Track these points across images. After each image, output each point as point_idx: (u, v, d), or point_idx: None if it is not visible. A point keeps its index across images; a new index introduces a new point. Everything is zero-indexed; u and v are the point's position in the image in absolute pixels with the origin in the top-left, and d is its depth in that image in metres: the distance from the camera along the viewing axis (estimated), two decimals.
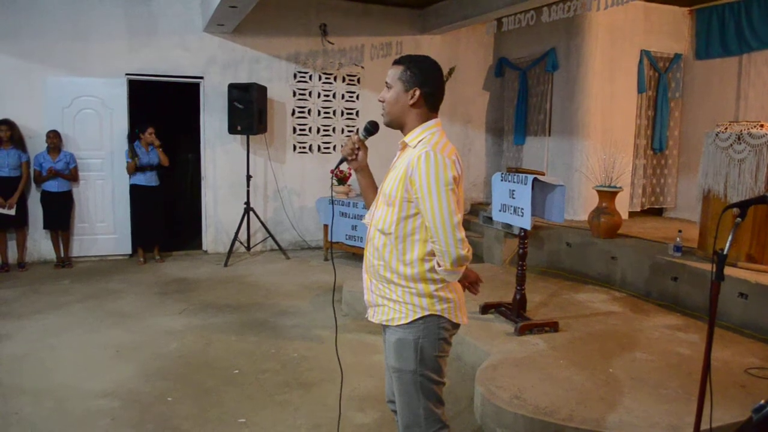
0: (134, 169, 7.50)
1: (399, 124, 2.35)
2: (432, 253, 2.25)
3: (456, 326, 2.37)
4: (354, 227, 7.53)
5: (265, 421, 3.70)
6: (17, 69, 7.37)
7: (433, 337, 2.29)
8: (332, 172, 2.86)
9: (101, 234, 7.87)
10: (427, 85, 2.29)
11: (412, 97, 2.28)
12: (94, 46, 7.65)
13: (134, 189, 7.64)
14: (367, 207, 2.54)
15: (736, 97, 7.49)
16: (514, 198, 4.74)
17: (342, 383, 2.97)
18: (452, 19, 8.32)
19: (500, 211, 4.97)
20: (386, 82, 2.35)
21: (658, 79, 8.23)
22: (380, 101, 2.36)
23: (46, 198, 7.34)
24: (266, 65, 8.46)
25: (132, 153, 7.44)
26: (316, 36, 8.64)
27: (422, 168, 2.15)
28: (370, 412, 3.81)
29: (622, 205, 7.60)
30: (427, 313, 2.27)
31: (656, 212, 8.70)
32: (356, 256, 7.73)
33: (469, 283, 2.53)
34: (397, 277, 2.28)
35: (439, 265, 2.22)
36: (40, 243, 7.63)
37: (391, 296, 2.31)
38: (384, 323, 2.37)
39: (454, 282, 2.34)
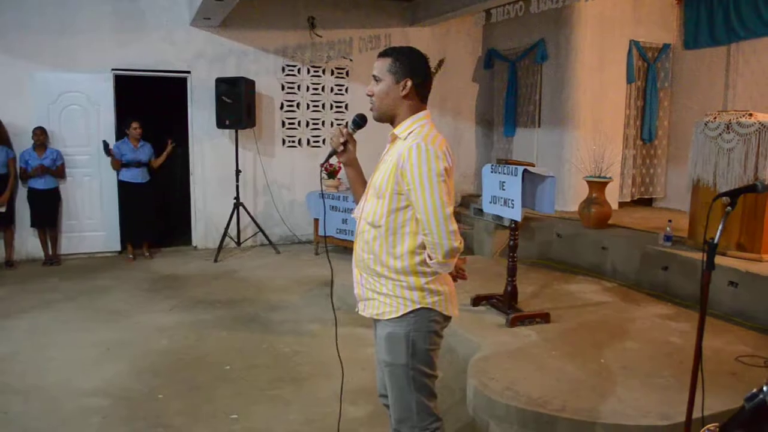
0: (119, 165, 7.44)
1: (390, 117, 2.32)
2: (423, 246, 2.23)
3: (447, 319, 2.36)
4: (344, 221, 7.51)
5: (258, 416, 3.68)
6: (2, 64, 7.28)
7: (424, 330, 2.28)
8: (322, 165, 2.82)
9: (89, 231, 7.80)
10: (418, 76, 2.28)
11: (403, 89, 2.26)
12: (81, 41, 7.57)
13: (122, 185, 7.58)
14: (356, 201, 2.51)
15: (725, 86, 7.50)
16: (504, 189, 4.73)
17: (343, 380, 2.92)
18: (441, 11, 8.28)
19: (491, 202, 4.96)
20: (374, 76, 2.31)
21: (647, 69, 8.24)
22: (369, 95, 2.33)
23: (33, 196, 7.26)
24: (254, 59, 8.40)
25: (105, 149, 7.37)
26: (304, 29, 8.59)
27: (413, 159, 2.14)
28: (363, 405, 3.80)
29: (612, 196, 7.61)
30: (418, 306, 2.26)
31: (646, 202, 8.73)
32: (347, 249, 7.71)
33: (457, 271, 2.51)
34: (387, 271, 2.27)
35: (431, 258, 2.21)
36: (27, 241, 7.56)
37: (381, 290, 2.29)
38: (375, 317, 2.35)
39: (445, 274, 2.33)
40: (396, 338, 2.28)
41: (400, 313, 2.26)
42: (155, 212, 7.90)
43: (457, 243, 2.18)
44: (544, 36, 8.12)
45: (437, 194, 2.14)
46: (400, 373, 2.30)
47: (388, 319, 2.29)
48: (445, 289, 2.32)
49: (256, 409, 3.77)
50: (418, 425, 2.32)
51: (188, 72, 8.12)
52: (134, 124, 7.51)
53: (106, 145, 7.40)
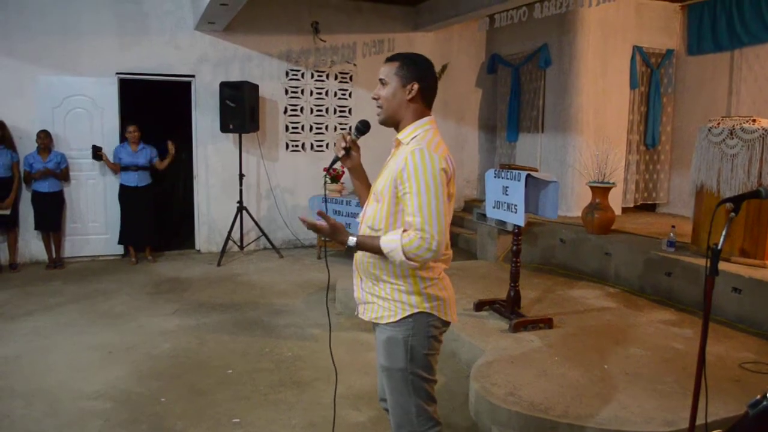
0: (119, 168, 7.46)
1: (395, 121, 2.32)
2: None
3: (446, 324, 2.35)
4: (348, 225, 7.50)
5: (260, 420, 3.68)
6: (7, 68, 7.31)
7: (422, 335, 2.27)
8: (325, 170, 2.82)
9: (93, 234, 7.82)
10: (424, 80, 2.28)
11: (409, 92, 2.26)
12: (85, 45, 7.60)
13: (121, 189, 7.59)
14: (361, 206, 2.51)
15: (728, 92, 7.50)
16: (507, 194, 4.73)
17: (336, 384, 2.93)
18: (444, 16, 8.31)
19: (494, 207, 4.95)
20: (381, 79, 2.31)
21: (650, 74, 8.24)
22: (374, 98, 2.33)
23: (37, 198, 7.28)
24: (258, 63, 8.42)
25: (93, 152, 7.38)
26: (308, 34, 8.61)
27: (417, 161, 2.13)
28: (365, 410, 3.80)
29: (616, 201, 7.60)
30: (416, 310, 2.25)
31: (649, 208, 8.72)
32: (350, 254, 7.71)
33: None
34: (385, 275, 2.27)
35: (406, 251, 2.09)
36: (30, 244, 7.58)
37: (380, 294, 2.30)
38: (373, 320, 2.35)
39: (445, 280, 2.34)
40: (394, 342, 2.28)
41: (399, 318, 2.26)
42: (156, 216, 7.86)
43: (441, 245, 2.10)
44: (548, 41, 8.13)
45: (433, 190, 2.10)
46: (399, 378, 2.30)
47: (386, 324, 2.29)
48: (444, 295, 2.32)
49: (258, 413, 3.77)
50: (417, 430, 2.32)
51: (192, 76, 8.14)
52: (131, 128, 7.51)
53: (95, 150, 7.42)
